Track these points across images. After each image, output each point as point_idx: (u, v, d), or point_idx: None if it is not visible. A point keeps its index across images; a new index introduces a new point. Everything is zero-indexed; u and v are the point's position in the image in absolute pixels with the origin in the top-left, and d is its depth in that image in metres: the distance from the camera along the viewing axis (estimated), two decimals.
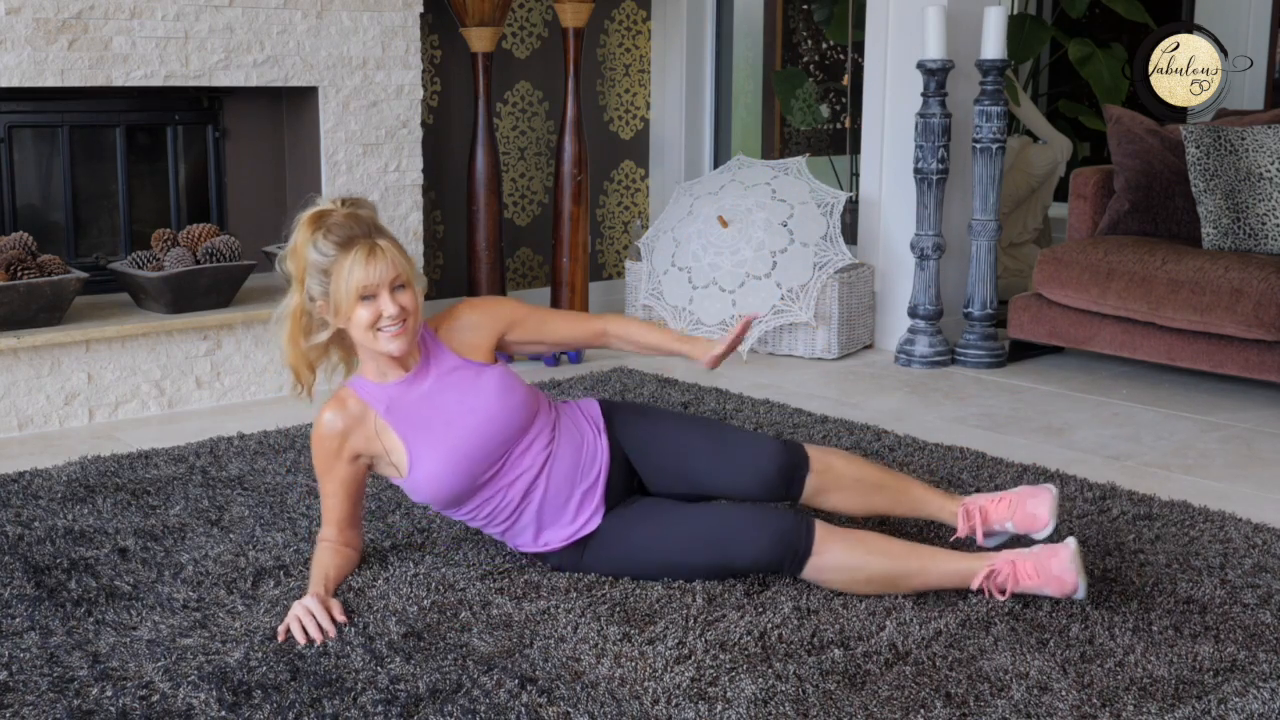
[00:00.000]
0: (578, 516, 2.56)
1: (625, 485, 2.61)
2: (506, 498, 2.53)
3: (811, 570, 2.46)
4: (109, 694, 2.10)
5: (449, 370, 2.53)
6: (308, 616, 2.33)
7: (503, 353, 2.68)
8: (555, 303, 5.02)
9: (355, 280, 2.36)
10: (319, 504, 3.01)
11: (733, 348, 2.60)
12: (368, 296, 2.39)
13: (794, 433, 3.62)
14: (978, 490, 3.16)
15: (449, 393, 2.51)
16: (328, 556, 2.52)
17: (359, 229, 2.40)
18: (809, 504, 2.64)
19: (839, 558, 2.44)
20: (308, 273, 2.41)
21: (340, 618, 2.36)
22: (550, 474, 2.54)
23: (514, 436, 2.51)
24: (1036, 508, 2.57)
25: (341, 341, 2.52)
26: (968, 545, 2.70)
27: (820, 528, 2.47)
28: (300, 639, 2.30)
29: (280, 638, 2.31)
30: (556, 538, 2.57)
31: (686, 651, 2.26)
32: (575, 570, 2.59)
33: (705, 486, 2.61)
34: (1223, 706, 2.09)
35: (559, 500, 2.55)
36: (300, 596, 2.48)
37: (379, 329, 2.41)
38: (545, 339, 2.70)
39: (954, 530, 2.67)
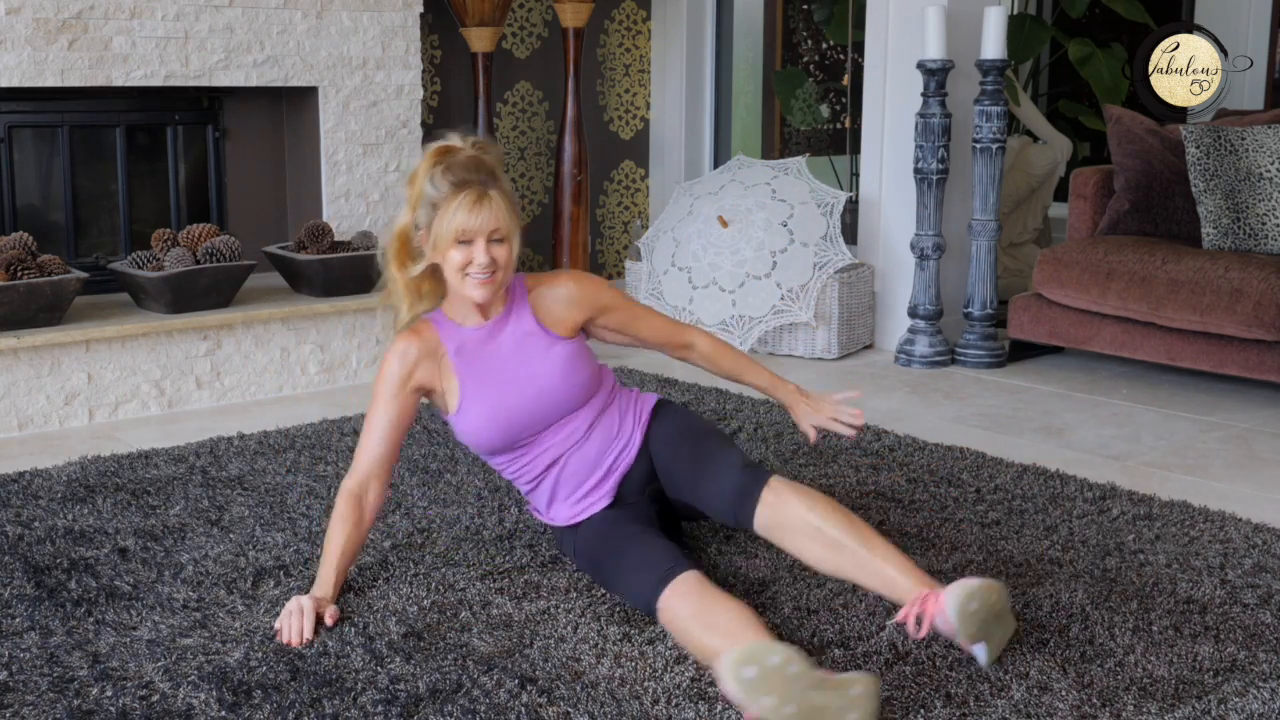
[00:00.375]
0: (583, 501, 2.57)
1: (643, 485, 2.60)
2: (534, 463, 2.57)
3: (663, 624, 2.29)
4: (109, 694, 2.10)
5: (524, 333, 2.55)
6: (296, 615, 2.33)
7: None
8: None
9: (456, 223, 2.39)
10: (318, 504, 3.01)
11: (834, 424, 2.63)
12: (465, 241, 2.41)
13: (793, 433, 3.62)
14: (977, 491, 3.16)
15: (516, 354, 2.54)
16: (341, 532, 2.47)
17: (476, 175, 2.42)
18: (771, 540, 2.37)
19: (673, 618, 2.24)
20: (420, 201, 2.45)
21: (330, 622, 2.36)
22: (574, 455, 2.56)
23: (562, 413, 2.54)
24: (943, 600, 2.17)
25: (435, 273, 2.53)
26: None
27: (681, 583, 2.26)
28: (286, 639, 2.31)
29: (278, 637, 2.32)
30: (561, 515, 2.60)
31: (686, 652, 2.26)
32: (571, 555, 2.61)
33: (684, 499, 2.58)
34: (1223, 706, 2.09)
35: (573, 482, 2.57)
36: (303, 593, 2.48)
37: (467, 274, 2.44)
38: (630, 333, 2.70)
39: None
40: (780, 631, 2.35)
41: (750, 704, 1.94)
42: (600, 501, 2.56)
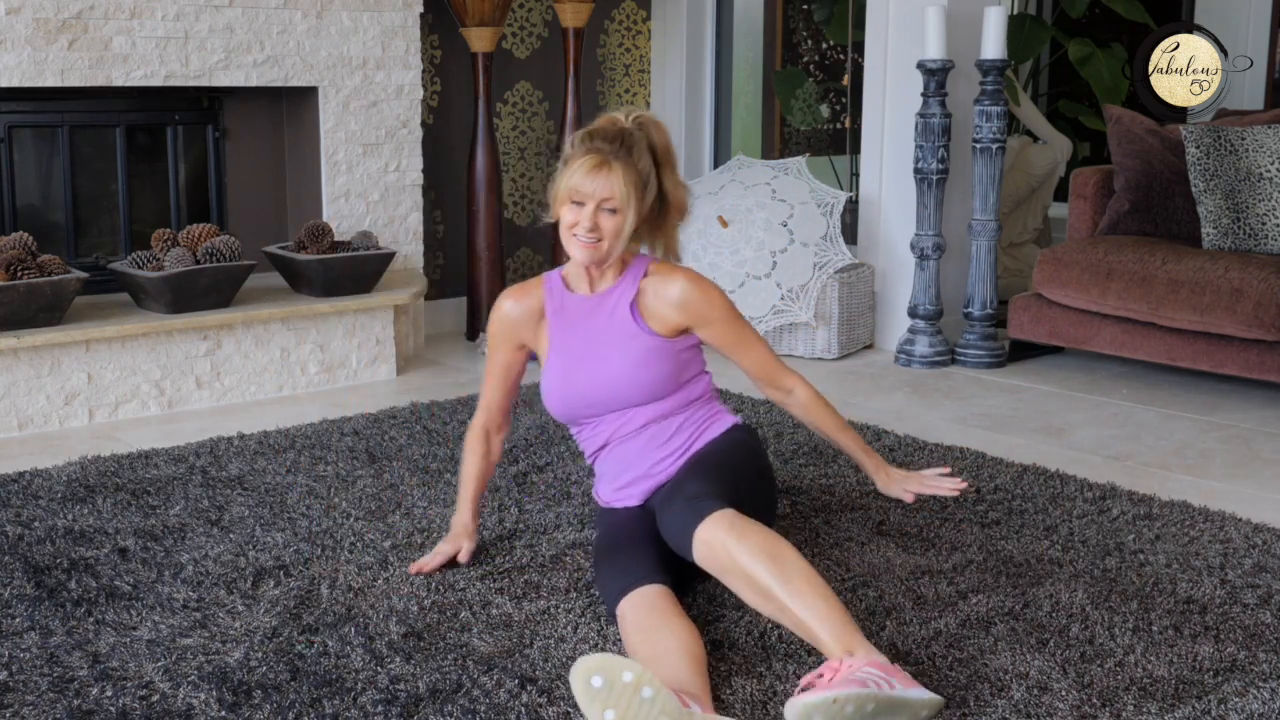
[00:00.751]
0: (618, 491, 2.61)
1: None
2: (590, 440, 2.65)
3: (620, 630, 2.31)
4: (109, 694, 2.10)
5: (619, 318, 2.57)
6: (432, 558, 2.62)
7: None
8: None
9: (570, 183, 2.47)
10: (318, 504, 3.02)
11: (935, 489, 2.67)
12: (577, 202, 2.47)
13: (794, 432, 3.62)
14: (977, 491, 3.16)
15: (603, 333, 2.58)
16: (473, 462, 2.72)
17: (611, 146, 2.47)
18: (720, 580, 2.27)
19: (624, 627, 2.25)
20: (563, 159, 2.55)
21: (465, 560, 2.64)
22: (617, 447, 2.60)
23: (621, 404, 2.57)
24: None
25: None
26: None
27: (640, 595, 2.26)
28: (415, 569, 2.60)
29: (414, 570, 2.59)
30: (602, 495, 2.66)
31: None
32: None
33: None
34: (1223, 706, 2.09)
35: (612, 471, 2.62)
36: (303, 593, 2.49)
37: (574, 234, 2.49)
38: (731, 357, 2.68)
39: None
40: (780, 632, 2.34)
41: (590, 713, 1.93)
42: (630, 499, 2.59)
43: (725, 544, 2.18)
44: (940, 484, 2.69)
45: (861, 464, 2.75)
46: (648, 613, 2.23)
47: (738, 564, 2.17)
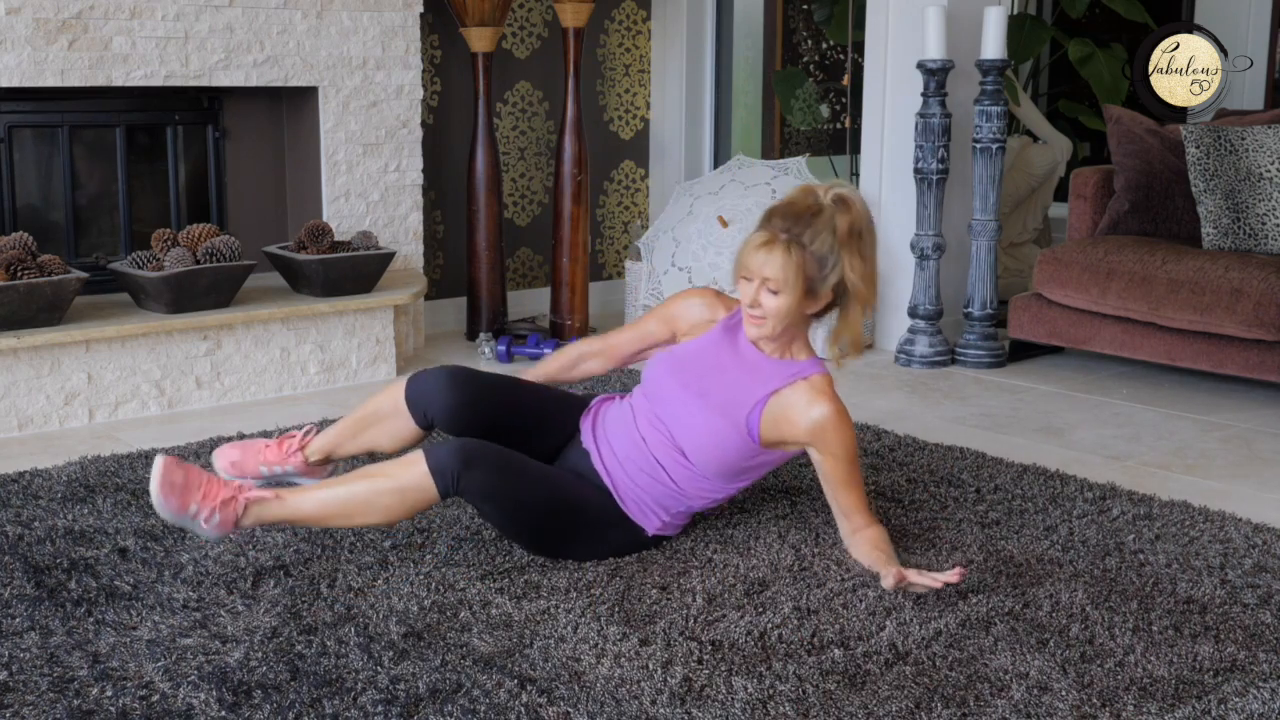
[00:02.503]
0: (587, 424, 2.80)
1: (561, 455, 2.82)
2: (638, 399, 2.76)
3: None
4: (109, 694, 2.10)
5: (745, 395, 2.60)
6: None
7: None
8: (555, 303, 5.02)
9: (741, 256, 2.54)
10: None
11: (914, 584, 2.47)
12: (746, 277, 2.54)
13: None
14: (977, 491, 3.16)
15: (728, 377, 2.63)
16: (553, 361, 2.96)
17: (785, 224, 2.49)
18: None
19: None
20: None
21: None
22: (628, 422, 2.72)
23: (673, 427, 2.63)
24: None
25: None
26: None
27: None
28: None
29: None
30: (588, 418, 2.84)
31: (686, 651, 2.26)
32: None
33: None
34: (1223, 706, 2.09)
35: (609, 422, 2.76)
36: (303, 593, 2.48)
37: (745, 308, 2.58)
38: (829, 488, 2.65)
39: None
40: (780, 632, 2.35)
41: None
42: (585, 430, 2.76)
43: (399, 461, 2.53)
44: (939, 577, 2.47)
45: (879, 569, 2.57)
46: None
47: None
